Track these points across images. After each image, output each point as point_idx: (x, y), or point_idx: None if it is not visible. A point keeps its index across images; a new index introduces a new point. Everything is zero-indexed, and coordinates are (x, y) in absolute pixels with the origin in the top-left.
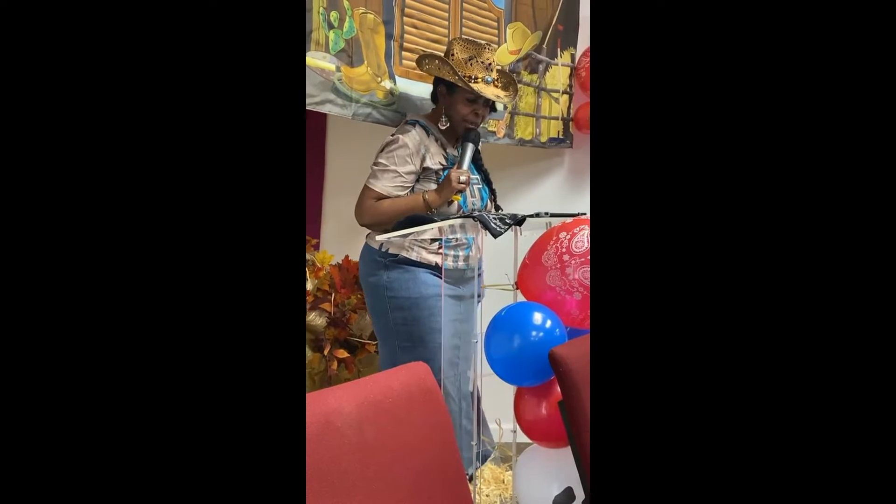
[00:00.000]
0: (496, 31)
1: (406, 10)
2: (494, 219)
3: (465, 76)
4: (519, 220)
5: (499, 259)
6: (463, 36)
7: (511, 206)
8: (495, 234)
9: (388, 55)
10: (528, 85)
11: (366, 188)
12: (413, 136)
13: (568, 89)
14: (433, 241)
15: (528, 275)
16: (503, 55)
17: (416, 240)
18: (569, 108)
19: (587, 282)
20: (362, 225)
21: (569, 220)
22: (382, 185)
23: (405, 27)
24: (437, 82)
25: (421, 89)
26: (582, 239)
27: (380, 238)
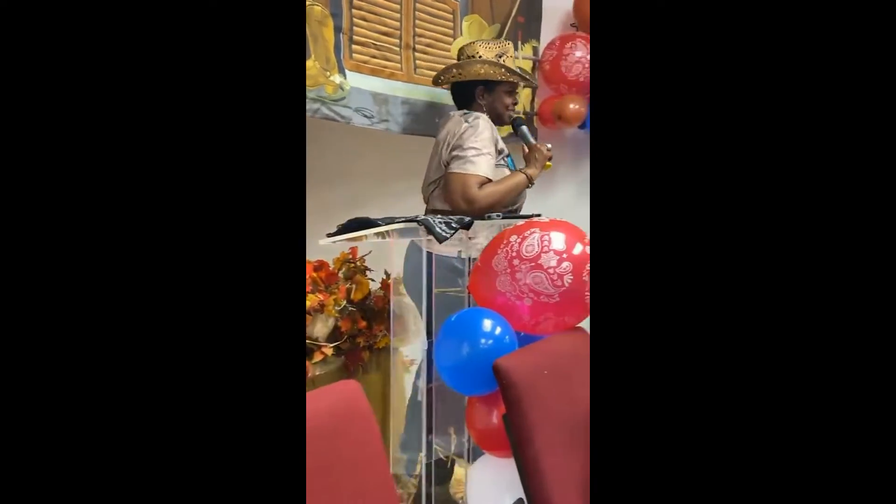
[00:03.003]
0: (451, 25)
1: (354, 1)
2: (440, 222)
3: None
4: (466, 224)
5: None
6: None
7: None
8: (440, 239)
9: (337, 49)
10: None
11: (466, 176)
12: (488, 122)
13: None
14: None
15: (480, 279)
16: (458, 49)
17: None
18: (532, 101)
19: (537, 287)
20: (473, 213)
21: (521, 222)
22: (486, 169)
23: (354, 20)
24: (473, 86)
25: (374, 84)
26: (532, 243)
27: (324, 242)
